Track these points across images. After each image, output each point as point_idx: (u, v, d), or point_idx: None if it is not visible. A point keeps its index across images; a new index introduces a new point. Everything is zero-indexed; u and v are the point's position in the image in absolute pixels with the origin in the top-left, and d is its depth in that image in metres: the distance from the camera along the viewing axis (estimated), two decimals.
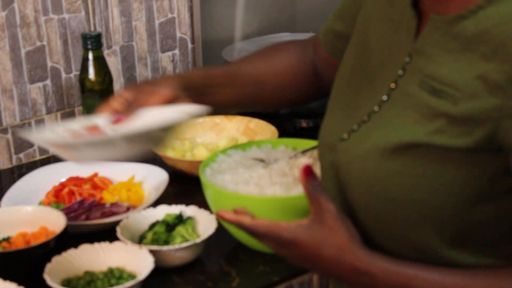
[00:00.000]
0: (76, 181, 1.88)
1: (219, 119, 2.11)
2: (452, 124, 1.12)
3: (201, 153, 1.97)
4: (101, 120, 1.46)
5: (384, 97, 1.25)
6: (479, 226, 1.18)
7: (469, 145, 1.11)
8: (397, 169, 1.18)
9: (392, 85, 1.24)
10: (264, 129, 2.03)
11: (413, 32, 1.25)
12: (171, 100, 1.53)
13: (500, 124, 1.08)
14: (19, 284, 1.43)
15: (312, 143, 1.75)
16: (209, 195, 1.62)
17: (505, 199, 1.15)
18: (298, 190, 1.57)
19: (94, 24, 2.15)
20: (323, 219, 1.22)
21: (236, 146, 1.77)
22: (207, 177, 1.62)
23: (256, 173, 1.63)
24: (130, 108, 1.50)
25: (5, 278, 1.46)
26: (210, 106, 1.53)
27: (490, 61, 1.09)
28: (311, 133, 2.14)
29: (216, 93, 1.62)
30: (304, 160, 1.69)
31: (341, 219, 1.22)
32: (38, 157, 2.14)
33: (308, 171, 1.22)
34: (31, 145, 2.12)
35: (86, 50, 2.02)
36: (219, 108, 1.64)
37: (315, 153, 1.72)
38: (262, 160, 1.68)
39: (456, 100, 1.11)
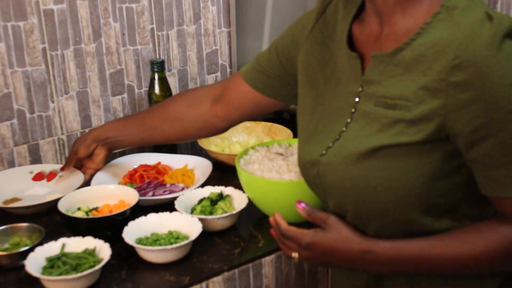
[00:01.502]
0: (145, 167, 1.88)
1: (249, 124, 2.11)
2: (409, 126, 1.13)
3: (236, 149, 1.97)
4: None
5: (348, 120, 1.24)
6: (441, 197, 1.18)
7: (424, 138, 1.12)
8: (373, 166, 1.18)
9: (353, 110, 1.24)
10: (282, 131, 2.02)
11: (359, 69, 1.24)
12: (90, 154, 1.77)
13: (446, 118, 1.09)
14: (105, 241, 1.45)
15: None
16: (242, 180, 1.62)
17: (457, 174, 1.16)
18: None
19: (159, 53, 2.14)
20: (328, 225, 1.25)
21: (262, 143, 1.77)
22: (241, 166, 1.63)
23: (277, 164, 1.63)
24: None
25: (95, 236, 1.47)
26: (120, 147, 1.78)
27: (428, 75, 1.10)
28: None
29: (123, 140, 1.76)
30: None
31: (339, 221, 1.25)
32: (117, 150, 2.06)
33: (300, 204, 1.30)
34: None
35: (153, 72, 2.02)
36: (126, 147, 1.78)
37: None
38: (281, 154, 1.68)
39: (409, 108, 1.12)
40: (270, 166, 1.64)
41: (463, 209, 1.20)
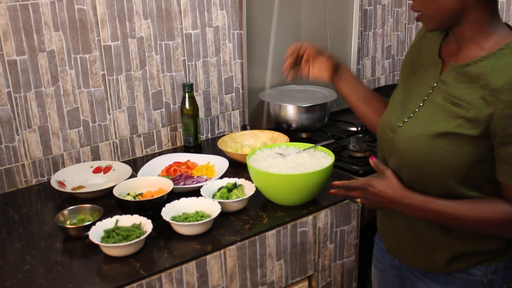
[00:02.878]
0: (177, 164, 1.88)
1: (256, 132, 2.10)
2: (467, 122, 1.17)
3: (246, 150, 1.96)
4: None
5: (421, 104, 1.29)
6: (476, 176, 1.22)
7: (476, 134, 1.17)
8: (436, 145, 1.22)
9: (425, 98, 1.28)
10: (281, 137, 2.01)
11: (439, 70, 1.28)
12: (328, 60, 1.58)
13: (491, 123, 1.14)
14: (148, 218, 1.47)
15: (308, 145, 1.75)
16: (251, 173, 1.63)
17: (489, 162, 1.19)
18: (300, 171, 1.60)
19: (189, 78, 2.12)
20: (385, 176, 1.30)
21: (266, 146, 1.78)
22: (250, 162, 1.64)
23: (277, 161, 1.65)
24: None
25: (140, 215, 1.48)
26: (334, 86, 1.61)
27: (485, 90, 1.14)
28: (307, 140, 2.16)
29: (343, 85, 1.59)
30: (304, 154, 1.70)
31: (392, 174, 1.30)
32: (156, 150, 2.10)
33: (373, 157, 1.36)
34: (153, 143, 2.10)
35: (184, 92, 2.01)
36: (339, 86, 1.60)
37: (310, 151, 1.73)
38: (281, 154, 1.69)
39: (468, 109, 1.17)
40: (272, 163, 1.66)
41: (487, 187, 1.24)
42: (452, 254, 1.31)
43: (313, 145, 1.76)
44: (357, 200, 1.36)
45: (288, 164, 1.64)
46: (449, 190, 1.24)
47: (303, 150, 1.73)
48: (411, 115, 1.30)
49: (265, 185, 1.64)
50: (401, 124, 1.31)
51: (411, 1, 1.23)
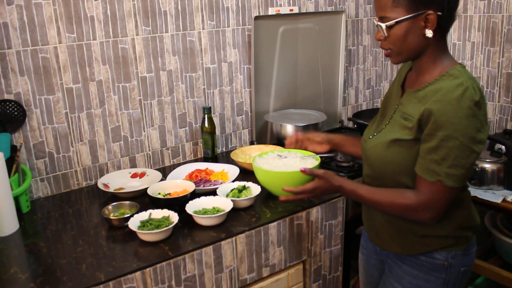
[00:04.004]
0: (198, 171, 1.89)
1: (261, 146, 2.09)
2: (409, 130, 1.23)
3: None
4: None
5: (387, 122, 1.34)
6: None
7: (412, 137, 1.23)
8: (390, 150, 1.28)
9: (391, 117, 1.34)
10: (281, 149, 2.04)
11: (400, 96, 1.34)
12: (322, 142, 1.62)
13: (420, 125, 1.21)
14: (175, 212, 1.49)
15: (307, 152, 1.75)
16: (256, 172, 1.62)
17: None
18: (294, 169, 1.59)
19: (208, 102, 2.13)
20: (322, 175, 1.34)
21: (267, 152, 1.75)
22: (255, 163, 1.64)
23: (277, 162, 1.66)
24: (297, 143, 1.65)
25: (168, 209, 1.51)
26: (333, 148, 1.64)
27: (424, 104, 1.19)
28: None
29: (341, 147, 1.62)
30: (297, 159, 1.70)
31: (328, 172, 1.35)
32: (181, 160, 2.10)
33: (303, 169, 1.39)
34: (178, 154, 2.10)
35: (204, 113, 2.02)
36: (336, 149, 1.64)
37: (299, 154, 1.73)
38: (280, 156, 1.69)
39: (411, 121, 1.23)
40: (272, 163, 1.68)
41: None
42: (418, 236, 1.33)
43: (311, 153, 1.79)
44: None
45: (286, 163, 1.66)
46: (402, 184, 1.28)
47: (302, 156, 1.75)
48: (380, 130, 1.36)
49: (267, 181, 1.63)
50: (371, 137, 1.37)
51: (380, 39, 1.27)
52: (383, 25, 1.21)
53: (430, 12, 1.18)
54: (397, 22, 1.20)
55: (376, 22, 1.25)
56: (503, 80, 2.41)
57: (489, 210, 2.11)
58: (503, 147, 1.90)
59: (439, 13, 1.18)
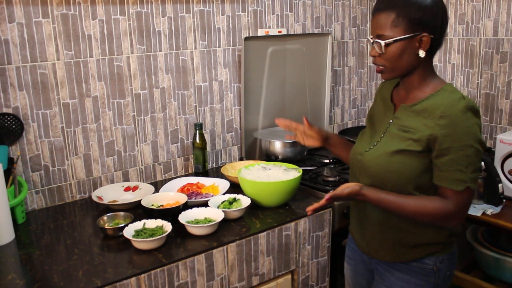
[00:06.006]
0: (190, 185, 1.92)
1: (251, 162, 2.10)
2: (414, 142, 1.30)
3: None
4: None
5: (382, 135, 1.41)
6: (424, 182, 1.33)
7: (420, 149, 1.30)
8: (393, 160, 1.34)
9: (385, 131, 1.41)
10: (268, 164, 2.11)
11: (393, 111, 1.41)
12: (314, 137, 1.64)
13: (431, 140, 1.27)
14: (168, 221, 1.53)
15: (283, 164, 1.83)
16: (242, 183, 1.71)
17: (431, 172, 1.32)
18: (276, 180, 1.70)
19: (199, 119, 2.17)
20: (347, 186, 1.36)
21: (253, 164, 1.87)
22: (241, 174, 1.74)
23: (261, 173, 1.76)
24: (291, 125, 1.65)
25: (162, 219, 1.55)
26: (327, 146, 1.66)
27: (426, 119, 1.28)
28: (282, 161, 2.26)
29: (334, 147, 1.65)
30: (281, 170, 1.79)
31: (353, 186, 1.36)
32: (173, 175, 2.14)
33: (328, 199, 1.36)
34: (170, 170, 2.14)
35: (195, 130, 2.08)
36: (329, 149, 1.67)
37: (283, 166, 1.83)
38: (264, 168, 1.78)
39: (415, 133, 1.30)
40: (258, 175, 1.76)
41: (431, 192, 1.34)
42: (410, 246, 1.39)
43: (295, 166, 1.86)
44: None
45: (270, 174, 1.77)
46: (404, 193, 1.34)
47: (285, 168, 1.84)
48: (375, 143, 1.43)
49: (252, 191, 1.73)
50: (368, 150, 1.43)
51: (375, 55, 1.34)
52: (383, 42, 1.30)
53: (425, 34, 1.28)
54: (395, 41, 1.29)
55: (371, 40, 1.33)
56: (482, 100, 2.53)
57: (471, 223, 2.18)
58: (482, 163, 1.99)
59: (432, 36, 1.28)
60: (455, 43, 2.60)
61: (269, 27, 2.35)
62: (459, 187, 1.26)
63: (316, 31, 2.55)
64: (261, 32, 2.32)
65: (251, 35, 2.28)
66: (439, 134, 1.26)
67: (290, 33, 2.44)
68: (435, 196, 1.32)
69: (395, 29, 1.28)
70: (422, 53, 1.30)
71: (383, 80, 1.47)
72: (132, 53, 1.95)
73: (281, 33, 2.39)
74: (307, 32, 2.51)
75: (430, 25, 1.27)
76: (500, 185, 1.95)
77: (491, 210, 1.94)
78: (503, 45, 2.40)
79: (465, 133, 1.24)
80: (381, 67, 1.35)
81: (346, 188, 1.36)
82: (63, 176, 1.88)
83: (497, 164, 2.05)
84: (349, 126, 2.87)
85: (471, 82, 2.56)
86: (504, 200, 1.99)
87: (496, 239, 2.15)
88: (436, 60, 2.67)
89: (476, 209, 1.95)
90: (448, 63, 2.65)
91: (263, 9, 2.32)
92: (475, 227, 2.25)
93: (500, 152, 2.04)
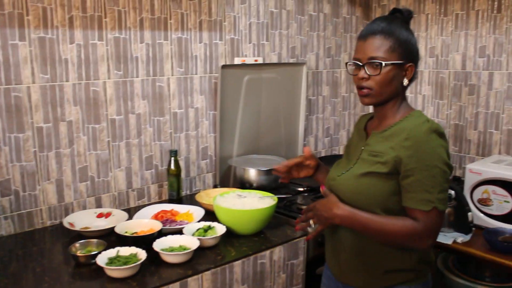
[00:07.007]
0: (164, 212, 1.90)
1: (225, 189, 2.10)
2: (381, 164, 1.34)
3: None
4: None
5: (355, 162, 1.44)
6: (393, 204, 1.35)
7: (386, 171, 1.33)
8: (361, 182, 1.37)
9: (358, 158, 1.45)
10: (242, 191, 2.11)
11: (365, 138, 1.46)
12: (316, 161, 1.64)
13: (397, 162, 1.31)
14: (142, 249, 1.52)
15: (258, 192, 1.85)
16: (217, 211, 1.72)
17: (399, 195, 1.34)
18: (251, 208, 1.72)
19: (174, 146, 2.18)
20: (327, 196, 1.42)
21: (228, 192, 1.88)
22: (216, 202, 1.75)
23: (236, 201, 1.77)
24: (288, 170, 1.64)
25: (136, 247, 1.53)
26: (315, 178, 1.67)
27: (393, 142, 1.33)
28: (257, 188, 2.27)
29: (321, 174, 1.65)
30: (256, 199, 1.81)
31: (332, 195, 1.41)
32: (146, 202, 2.12)
33: (323, 187, 1.49)
34: (144, 196, 2.12)
35: (170, 156, 2.10)
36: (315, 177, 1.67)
37: (259, 194, 1.86)
38: (240, 195, 1.80)
39: (382, 156, 1.34)
40: (232, 202, 1.78)
41: (402, 214, 1.35)
42: (381, 272, 1.41)
43: (270, 194, 1.88)
44: (310, 221, 1.45)
45: (245, 201, 1.78)
46: None
47: (261, 196, 1.85)
48: (348, 169, 1.47)
49: (227, 218, 1.74)
50: (339, 175, 1.48)
51: (363, 78, 1.37)
52: (383, 63, 1.33)
53: (412, 64, 1.37)
54: (392, 64, 1.35)
55: (362, 63, 1.37)
56: (451, 130, 2.61)
57: (441, 251, 2.22)
58: (452, 192, 2.04)
59: (415, 67, 1.37)
60: (425, 75, 2.69)
61: (246, 55, 2.39)
62: (426, 207, 1.29)
63: (291, 60, 2.61)
64: (237, 61, 2.35)
65: (227, 63, 2.31)
66: (404, 155, 1.30)
67: (266, 62, 2.48)
68: (404, 217, 1.34)
69: (391, 54, 1.34)
70: (406, 82, 1.38)
71: (361, 114, 1.54)
72: (108, 78, 1.95)
73: (257, 62, 2.43)
74: (282, 61, 2.56)
75: (415, 56, 1.37)
76: (469, 213, 2.00)
77: (461, 238, 1.99)
78: (471, 78, 2.50)
79: (429, 154, 1.28)
80: (367, 91, 1.38)
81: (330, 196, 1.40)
82: (34, 202, 1.84)
83: (466, 193, 2.11)
84: (323, 154, 2.92)
85: (441, 113, 2.65)
86: (473, 229, 2.04)
87: (466, 267, 2.19)
88: (407, 91, 2.75)
89: (447, 237, 1.99)
90: (419, 94, 2.73)
91: (240, 38, 2.35)
92: (445, 255, 2.28)
93: (469, 181, 2.10)
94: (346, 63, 1.47)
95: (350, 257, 1.46)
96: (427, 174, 1.28)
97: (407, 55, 1.36)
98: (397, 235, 1.33)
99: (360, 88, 1.40)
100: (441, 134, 1.31)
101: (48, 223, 1.89)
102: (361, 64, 1.38)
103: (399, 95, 1.41)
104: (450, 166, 1.31)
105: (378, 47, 1.35)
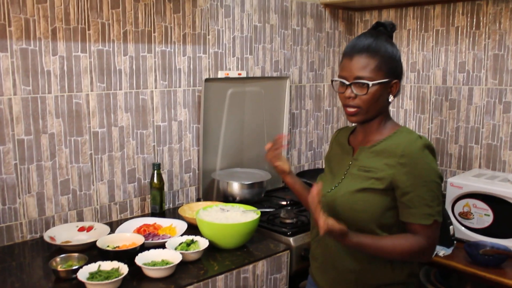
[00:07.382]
0: (146, 225, 1.89)
1: (208, 203, 2.11)
2: (376, 180, 1.34)
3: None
4: None
5: (343, 177, 1.45)
6: (387, 220, 1.37)
7: (382, 187, 1.34)
8: (356, 198, 1.37)
9: (345, 172, 1.46)
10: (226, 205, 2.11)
11: (351, 153, 1.47)
12: (285, 168, 1.66)
13: (393, 179, 1.32)
14: (124, 264, 1.51)
15: (241, 206, 1.86)
16: (200, 225, 1.71)
17: (394, 209, 1.36)
18: (234, 222, 1.73)
19: (157, 159, 2.18)
20: (335, 227, 1.29)
21: (211, 205, 1.88)
22: (199, 216, 1.74)
23: (219, 215, 1.77)
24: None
25: (118, 261, 1.52)
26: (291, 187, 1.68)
27: (387, 158, 1.34)
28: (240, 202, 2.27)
29: (294, 185, 1.68)
30: (239, 213, 1.80)
31: (343, 227, 1.30)
32: (129, 216, 2.11)
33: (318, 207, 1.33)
34: (126, 210, 2.12)
35: (153, 170, 2.08)
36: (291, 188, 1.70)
37: (242, 208, 1.86)
38: (223, 209, 1.79)
39: (377, 172, 1.35)
40: (216, 216, 1.77)
41: (394, 229, 1.38)
42: (374, 287, 1.42)
43: (253, 208, 1.89)
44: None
45: (228, 215, 1.79)
46: (368, 232, 1.37)
47: (244, 210, 1.86)
48: (337, 184, 1.47)
49: (210, 232, 1.74)
50: (329, 191, 1.47)
51: (350, 97, 1.38)
52: (370, 83, 1.35)
53: (397, 81, 1.40)
54: (379, 83, 1.37)
55: (347, 82, 1.38)
56: (433, 144, 2.64)
57: (423, 265, 2.24)
58: None
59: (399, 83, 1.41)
60: (407, 90, 2.73)
61: (229, 69, 2.40)
62: (428, 221, 1.32)
63: (274, 74, 2.63)
64: (221, 74, 2.36)
65: (211, 77, 2.32)
66: (402, 172, 1.33)
67: (249, 75, 2.50)
68: (406, 234, 1.36)
69: (377, 73, 1.36)
70: (391, 98, 1.41)
71: (339, 128, 1.56)
72: (91, 90, 1.94)
73: (240, 76, 2.44)
74: (266, 75, 2.58)
75: (400, 73, 1.41)
76: (451, 227, 2.03)
77: (443, 251, 2.01)
78: (451, 93, 2.54)
79: (426, 169, 1.32)
80: (354, 110, 1.40)
81: (337, 224, 1.32)
82: (13, 215, 1.82)
83: (448, 206, 2.13)
84: (306, 168, 2.93)
85: (422, 127, 2.68)
86: (455, 242, 2.06)
87: (448, 280, 2.20)
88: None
89: None
90: (401, 108, 2.77)
91: (223, 51, 2.37)
92: (427, 269, 2.30)
93: (450, 195, 2.13)
94: (332, 81, 1.48)
95: (342, 274, 1.46)
96: (426, 189, 1.32)
97: (393, 72, 1.39)
98: (405, 254, 1.35)
99: (346, 106, 1.41)
100: (432, 150, 1.35)
101: (28, 237, 1.87)
102: (347, 83, 1.39)
103: (384, 111, 1.44)
104: (442, 178, 1.36)
105: (365, 66, 1.36)
